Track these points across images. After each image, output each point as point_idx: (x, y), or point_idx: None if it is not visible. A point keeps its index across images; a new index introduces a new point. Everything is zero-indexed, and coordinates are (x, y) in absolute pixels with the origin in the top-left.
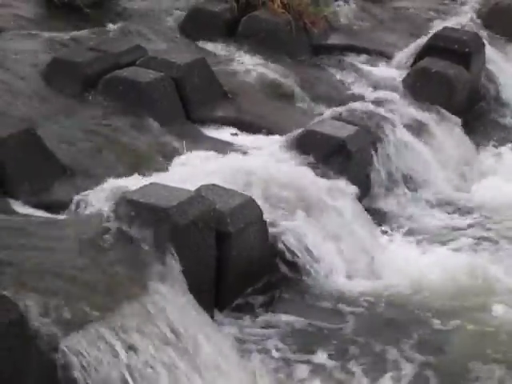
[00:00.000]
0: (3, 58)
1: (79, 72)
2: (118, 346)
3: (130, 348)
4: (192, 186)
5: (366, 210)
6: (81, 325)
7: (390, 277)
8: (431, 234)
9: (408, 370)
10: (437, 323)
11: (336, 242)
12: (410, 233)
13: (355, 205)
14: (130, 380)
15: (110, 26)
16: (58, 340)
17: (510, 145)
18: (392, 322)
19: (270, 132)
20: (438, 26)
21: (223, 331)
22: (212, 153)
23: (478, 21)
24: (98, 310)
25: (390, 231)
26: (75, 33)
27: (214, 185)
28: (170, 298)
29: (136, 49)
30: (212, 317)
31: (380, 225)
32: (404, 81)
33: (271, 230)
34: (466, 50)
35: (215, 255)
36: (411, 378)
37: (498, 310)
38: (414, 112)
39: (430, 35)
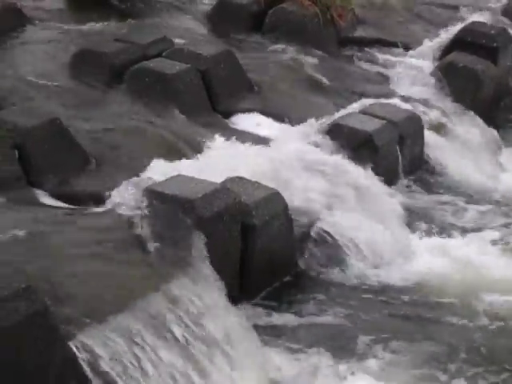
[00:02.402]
0: (30, 50)
1: (106, 63)
2: (140, 339)
3: (152, 340)
4: (218, 178)
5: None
6: (104, 316)
7: (420, 267)
8: (459, 223)
9: None
10: None
11: (368, 231)
12: (440, 224)
13: (385, 195)
14: (150, 372)
15: (138, 17)
16: (80, 331)
17: None
18: (418, 314)
19: (295, 124)
20: (465, 19)
21: (247, 323)
22: (238, 144)
23: (506, 17)
24: (121, 301)
25: (420, 223)
26: (102, 24)
27: (239, 177)
28: (195, 290)
29: (163, 40)
30: (237, 309)
31: (408, 216)
32: (431, 74)
33: (301, 219)
34: (494, 44)
35: (240, 247)
36: None
37: None
38: (441, 105)
39: (457, 29)
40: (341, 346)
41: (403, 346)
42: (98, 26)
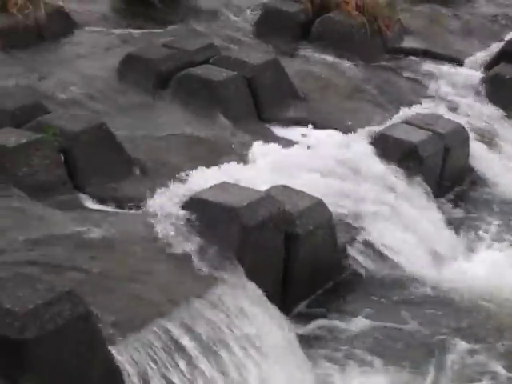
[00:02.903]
0: (78, 54)
1: (153, 69)
2: (182, 342)
3: (193, 346)
4: (262, 186)
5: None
6: (145, 320)
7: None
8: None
9: None
10: None
11: (411, 242)
12: (483, 236)
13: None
14: (189, 377)
15: (184, 23)
16: (121, 335)
17: None
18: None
19: (341, 132)
20: None
21: (290, 332)
22: (282, 152)
23: None
24: (163, 306)
25: (462, 235)
26: (149, 29)
27: (284, 186)
28: (237, 297)
29: (209, 47)
30: (279, 317)
31: (451, 224)
32: (478, 86)
33: (345, 228)
34: None
35: (283, 257)
36: None
37: None
38: (487, 117)
39: (504, 41)
40: (391, 354)
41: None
42: (144, 31)
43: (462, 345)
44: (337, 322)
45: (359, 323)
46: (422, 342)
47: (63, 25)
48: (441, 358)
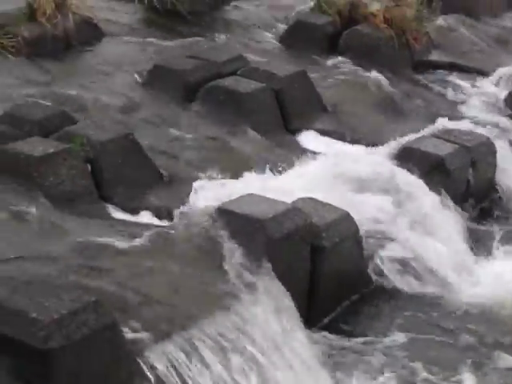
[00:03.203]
0: (105, 64)
1: (180, 80)
2: (208, 355)
3: (220, 357)
4: (289, 198)
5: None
6: (170, 332)
7: (492, 289)
8: None
9: None
10: None
11: (436, 254)
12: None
13: (458, 220)
14: None
15: (212, 35)
16: (147, 347)
17: None
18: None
19: (367, 145)
20: None
21: (314, 345)
22: (309, 164)
23: None
24: (189, 318)
25: (489, 245)
26: (177, 40)
27: (310, 198)
28: (263, 309)
29: (238, 59)
30: (304, 330)
31: (478, 241)
32: (505, 100)
33: (371, 240)
34: None
35: (309, 269)
36: None
37: None
38: None
39: None
40: (424, 365)
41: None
42: (172, 41)
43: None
44: (361, 335)
45: (386, 336)
46: (454, 357)
47: (91, 35)
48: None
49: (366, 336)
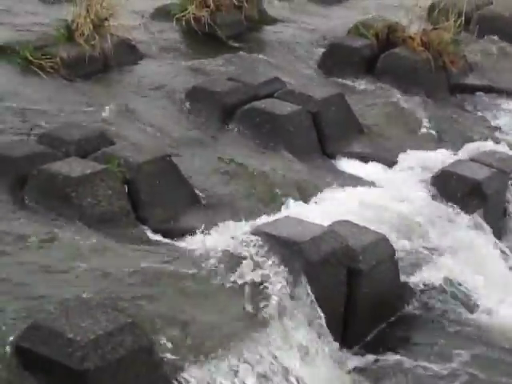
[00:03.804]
0: (143, 85)
1: (218, 101)
2: (245, 377)
3: (258, 380)
4: (325, 221)
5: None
6: (206, 354)
7: None
8: None
9: None
10: None
11: (476, 278)
12: None
13: (492, 245)
14: None
15: (250, 57)
16: (184, 369)
17: None
18: None
19: (404, 169)
20: None
21: (350, 368)
22: (346, 188)
23: None
24: (225, 340)
25: None
26: (215, 62)
27: (347, 221)
28: (301, 334)
29: (274, 81)
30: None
31: None
32: None
33: (407, 264)
34: None
35: (345, 292)
36: None
37: None
38: None
39: None
40: None
41: None
42: (210, 63)
43: None
44: (397, 358)
45: (421, 360)
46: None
47: (129, 56)
48: None
49: (401, 358)
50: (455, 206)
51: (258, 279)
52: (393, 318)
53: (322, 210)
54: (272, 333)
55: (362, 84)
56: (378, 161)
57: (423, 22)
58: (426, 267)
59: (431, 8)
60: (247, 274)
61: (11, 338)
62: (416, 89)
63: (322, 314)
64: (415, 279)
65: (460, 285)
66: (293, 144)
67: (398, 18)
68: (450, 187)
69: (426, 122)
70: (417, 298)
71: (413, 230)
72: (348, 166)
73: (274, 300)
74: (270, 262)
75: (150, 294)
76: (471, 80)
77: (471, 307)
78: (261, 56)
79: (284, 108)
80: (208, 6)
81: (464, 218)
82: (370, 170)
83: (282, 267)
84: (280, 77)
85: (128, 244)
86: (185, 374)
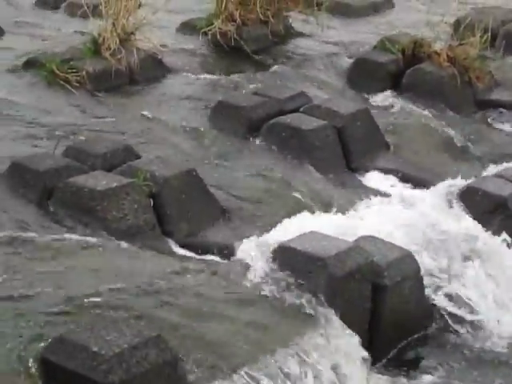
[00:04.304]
0: (169, 99)
1: (243, 116)
2: None
3: None
4: (351, 237)
5: None
6: (232, 369)
7: None
8: None
9: None
10: None
11: (502, 296)
12: None
13: None
14: None
15: (275, 71)
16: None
17: None
18: None
19: (430, 186)
20: None
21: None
22: (371, 203)
23: None
24: (249, 355)
25: None
26: (241, 77)
27: (372, 236)
28: (326, 348)
29: (300, 95)
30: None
31: None
32: None
33: (433, 281)
34: None
35: (370, 307)
36: None
37: None
38: None
39: None
40: None
41: None
42: (236, 78)
43: None
44: (420, 375)
45: (445, 377)
46: None
47: (156, 70)
48: None
49: (425, 375)
50: (480, 222)
51: (281, 294)
52: (417, 335)
53: (348, 225)
54: (295, 348)
55: (387, 99)
56: (404, 177)
57: (449, 38)
58: (452, 285)
59: (457, 23)
60: (271, 288)
61: (37, 351)
62: (442, 104)
63: (347, 330)
64: (440, 295)
65: (485, 302)
66: (318, 159)
67: (423, 33)
68: (475, 203)
69: (452, 138)
70: (442, 316)
71: (439, 247)
72: (373, 181)
73: (297, 315)
74: (293, 277)
75: (176, 308)
76: (497, 96)
77: (495, 324)
78: (286, 70)
79: (310, 123)
80: (234, 21)
81: (488, 235)
82: (395, 185)
83: (306, 282)
84: (306, 91)
85: (153, 257)
86: None
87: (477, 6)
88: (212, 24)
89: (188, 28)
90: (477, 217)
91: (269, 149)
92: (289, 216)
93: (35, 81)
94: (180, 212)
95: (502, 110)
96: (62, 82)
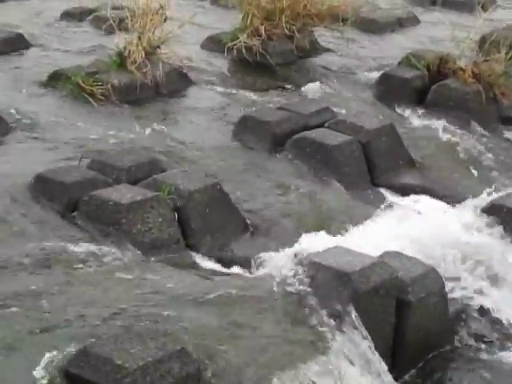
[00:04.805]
0: (193, 113)
1: (268, 131)
2: None
3: None
4: (375, 252)
5: None
6: (258, 382)
7: None
8: None
9: None
10: None
11: None
12: None
13: None
14: None
15: (300, 86)
16: None
17: None
18: None
19: (455, 202)
20: None
21: None
22: (396, 219)
23: None
24: (275, 368)
25: None
26: (265, 91)
27: (397, 252)
28: (349, 362)
29: (325, 110)
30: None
31: None
32: None
33: (456, 296)
34: None
35: (394, 323)
36: None
37: None
38: None
39: None
40: None
41: None
42: (260, 92)
43: None
44: None
45: None
46: None
47: (181, 84)
48: None
49: None
50: (505, 238)
51: (306, 308)
52: (441, 350)
53: (371, 240)
54: (321, 362)
55: (412, 115)
56: (428, 192)
57: (474, 54)
58: (478, 301)
59: (482, 40)
60: (295, 302)
61: (61, 364)
62: (466, 120)
63: (370, 345)
64: (465, 311)
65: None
66: (343, 174)
67: (449, 49)
68: (499, 219)
69: (477, 154)
70: (466, 330)
71: (462, 262)
72: (397, 197)
73: (321, 330)
74: (318, 291)
75: (200, 321)
76: None
77: None
78: (311, 85)
79: (334, 138)
80: (259, 36)
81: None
82: (420, 201)
83: (330, 297)
84: (330, 106)
85: (178, 271)
86: None
87: (502, 23)
88: (237, 38)
89: (213, 42)
90: (502, 232)
91: (293, 163)
92: (313, 230)
93: (61, 94)
94: (204, 226)
95: None
96: (87, 95)
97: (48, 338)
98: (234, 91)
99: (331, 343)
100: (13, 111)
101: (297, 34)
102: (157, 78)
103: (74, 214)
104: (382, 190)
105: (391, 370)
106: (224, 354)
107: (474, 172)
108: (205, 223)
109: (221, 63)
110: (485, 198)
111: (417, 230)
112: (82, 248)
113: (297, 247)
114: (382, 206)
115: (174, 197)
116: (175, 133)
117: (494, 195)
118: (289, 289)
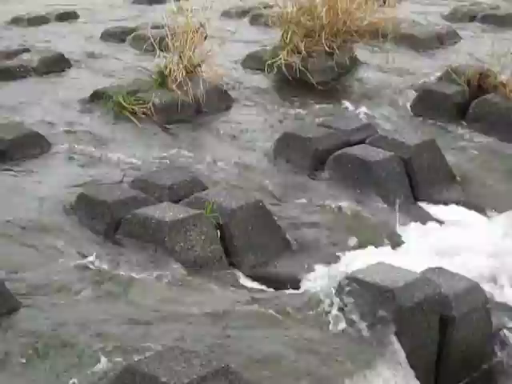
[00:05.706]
0: (234, 131)
1: (310, 148)
2: None
3: None
4: (418, 268)
5: None
6: None
7: None
8: None
9: None
10: None
11: None
12: None
13: None
14: None
15: (340, 103)
16: None
17: None
18: None
19: (498, 218)
20: None
21: None
22: (438, 234)
23: None
24: None
25: None
26: (306, 108)
27: (440, 268)
28: (391, 379)
29: (366, 127)
30: None
31: None
32: None
33: (504, 310)
34: None
35: (437, 339)
36: None
37: None
38: None
39: None
40: None
41: None
42: (301, 109)
43: None
44: None
45: None
46: None
47: (221, 102)
48: None
49: None
50: None
51: (349, 325)
52: (485, 367)
53: (414, 256)
54: (364, 380)
55: (453, 130)
56: (472, 208)
57: None
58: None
59: None
60: (339, 319)
61: (106, 382)
62: (508, 135)
63: (412, 362)
64: (508, 327)
65: None
66: (385, 190)
67: (489, 64)
68: None
69: None
70: (509, 347)
71: (507, 277)
72: (440, 213)
73: (365, 346)
74: (360, 308)
75: (244, 339)
76: None
77: None
78: (352, 102)
79: (376, 154)
80: (299, 53)
81: None
82: (463, 217)
83: (374, 313)
84: (371, 122)
85: (221, 288)
86: None
87: None
88: (277, 56)
89: (253, 60)
90: None
91: (335, 180)
92: (356, 247)
93: (102, 112)
94: (247, 243)
95: None
96: (128, 114)
97: (90, 355)
98: (274, 108)
99: (375, 360)
100: (54, 130)
101: (337, 50)
102: (198, 96)
103: (117, 232)
104: (424, 206)
105: None
106: (270, 372)
107: None
108: (247, 241)
109: (261, 80)
110: None
111: (459, 245)
112: (125, 267)
113: (340, 264)
114: (425, 222)
115: (217, 214)
116: (216, 150)
117: None
118: (332, 306)
